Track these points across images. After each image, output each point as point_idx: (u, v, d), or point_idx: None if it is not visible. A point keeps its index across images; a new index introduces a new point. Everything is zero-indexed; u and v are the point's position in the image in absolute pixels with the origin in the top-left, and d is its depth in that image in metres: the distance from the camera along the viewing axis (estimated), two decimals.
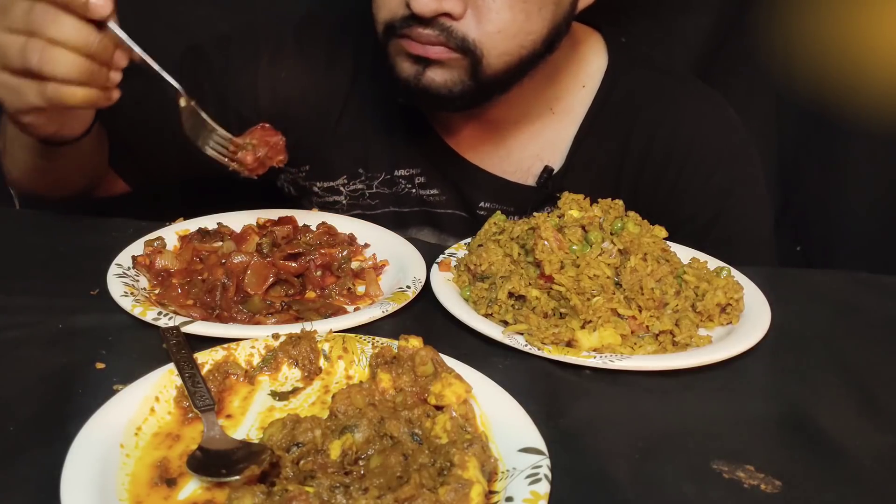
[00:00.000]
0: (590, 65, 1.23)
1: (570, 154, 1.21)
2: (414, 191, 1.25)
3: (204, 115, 0.93)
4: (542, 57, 1.08)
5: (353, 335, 0.79)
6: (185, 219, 1.05)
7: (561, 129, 1.22)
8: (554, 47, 1.09)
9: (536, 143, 1.23)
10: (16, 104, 0.86)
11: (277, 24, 1.25)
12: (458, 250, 1.02)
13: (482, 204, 1.24)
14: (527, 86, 1.13)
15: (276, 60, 1.21)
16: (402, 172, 1.24)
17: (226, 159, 0.96)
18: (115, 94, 0.87)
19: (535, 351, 0.81)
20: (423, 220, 1.27)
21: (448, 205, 1.26)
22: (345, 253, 0.98)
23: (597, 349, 0.82)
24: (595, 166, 1.19)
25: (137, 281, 0.91)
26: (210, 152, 0.95)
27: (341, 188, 1.25)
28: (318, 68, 1.22)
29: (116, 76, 0.86)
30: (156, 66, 0.87)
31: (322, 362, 0.77)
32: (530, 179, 1.23)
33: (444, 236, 1.27)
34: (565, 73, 1.21)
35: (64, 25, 0.79)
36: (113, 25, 0.82)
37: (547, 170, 1.21)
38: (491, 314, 0.88)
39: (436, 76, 1.04)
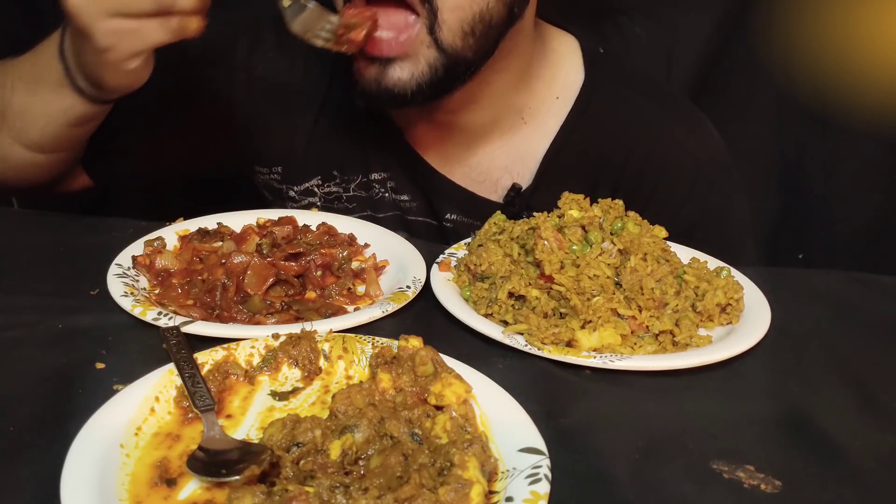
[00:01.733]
0: (565, 75, 1.20)
1: (539, 171, 1.19)
2: (388, 195, 1.24)
3: (311, 5, 0.94)
4: (504, 25, 1.05)
5: (353, 335, 0.79)
6: (185, 219, 1.05)
7: (532, 142, 1.19)
8: (514, 14, 1.06)
9: (506, 154, 1.20)
10: (133, 47, 0.87)
11: (256, 19, 1.23)
12: (458, 250, 1.02)
13: (448, 215, 1.23)
14: (494, 85, 1.11)
15: (253, 52, 1.20)
16: (375, 176, 1.23)
17: (334, 45, 0.99)
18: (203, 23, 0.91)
19: (535, 351, 0.81)
20: (397, 226, 1.23)
21: (418, 212, 1.24)
22: (345, 253, 0.98)
23: (597, 349, 0.82)
24: (564, 186, 1.16)
25: (137, 281, 0.91)
26: (321, 43, 0.98)
27: (315, 189, 1.24)
28: (297, 65, 1.20)
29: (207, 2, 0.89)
30: None
31: (322, 362, 0.77)
32: (498, 193, 1.21)
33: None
34: (537, 79, 1.18)
35: None
36: None
37: (514, 188, 1.19)
38: (491, 314, 0.88)
39: (402, 74, 1.01)
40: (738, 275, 0.95)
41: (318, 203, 1.25)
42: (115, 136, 1.17)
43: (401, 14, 1.00)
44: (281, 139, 1.21)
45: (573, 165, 1.19)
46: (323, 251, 0.97)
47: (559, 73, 1.20)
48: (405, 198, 1.24)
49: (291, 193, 1.25)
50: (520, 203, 1.19)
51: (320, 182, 1.24)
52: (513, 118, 1.19)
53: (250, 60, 1.20)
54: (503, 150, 1.20)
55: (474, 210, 1.20)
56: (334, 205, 1.25)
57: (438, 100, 1.09)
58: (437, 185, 1.22)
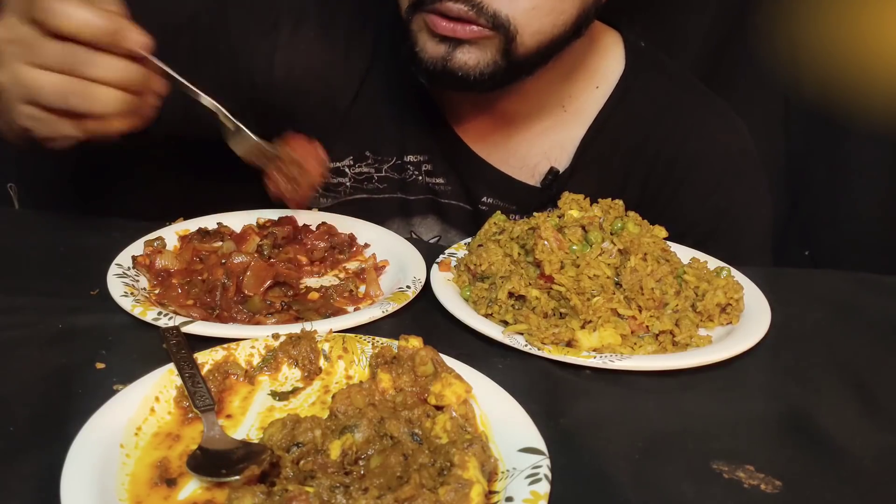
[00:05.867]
0: (606, 65, 1.22)
1: (576, 156, 1.20)
2: (421, 178, 1.25)
3: (252, 136, 0.94)
4: (570, 41, 1.07)
5: (353, 335, 0.79)
6: (185, 219, 1.05)
7: (570, 130, 1.21)
8: (581, 31, 1.08)
9: (545, 142, 1.22)
10: (47, 134, 0.84)
11: (300, 1, 1.23)
12: (458, 250, 1.02)
13: (484, 199, 1.24)
14: (542, 79, 1.12)
15: (296, 33, 1.20)
16: (410, 158, 1.24)
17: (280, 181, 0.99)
18: (151, 117, 0.86)
19: (535, 351, 0.81)
20: (428, 209, 1.26)
21: (452, 195, 1.25)
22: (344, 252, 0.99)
23: (597, 349, 0.82)
24: (600, 171, 1.19)
25: (137, 281, 0.91)
26: (259, 165, 0.97)
27: (346, 170, 1.24)
28: (337, 47, 1.21)
29: (155, 101, 0.85)
30: (203, 99, 0.88)
31: (322, 362, 0.77)
32: (535, 178, 1.22)
33: (447, 227, 1.26)
34: (581, 71, 1.20)
35: (106, 65, 0.78)
36: (151, 57, 0.81)
37: (552, 171, 1.20)
38: (491, 314, 0.88)
39: (468, 58, 1.00)
40: (738, 275, 0.95)
41: (348, 183, 1.25)
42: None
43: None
44: (318, 118, 1.21)
45: (608, 151, 1.20)
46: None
47: (601, 64, 1.22)
48: (440, 181, 1.24)
49: None
50: (557, 187, 1.19)
51: (352, 162, 1.24)
52: (554, 107, 1.21)
53: (294, 40, 1.20)
54: (542, 137, 1.22)
55: (511, 194, 1.21)
56: (364, 185, 1.25)
57: (497, 91, 1.09)
58: (474, 168, 1.22)
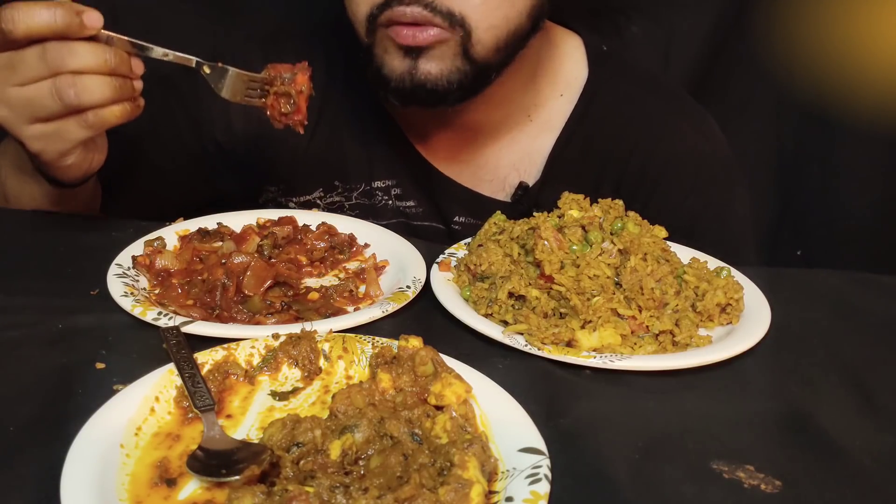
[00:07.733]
0: (568, 71, 1.21)
1: (546, 167, 1.19)
2: (391, 202, 1.24)
3: (231, 69, 0.93)
4: (528, 36, 1.07)
5: (353, 335, 0.79)
6: (185, 219, 1.05)
7: (538, 140, 1.20)
8: (538, 26, 1.08)
9: (513, 153, 1.21)
10: (59, 147, 0.87)
11: (243, 42, 1.24)
12: (458, 250, 1.02)
13: (457, 218, 1.23)
14: (506, 86, 1.11)
15: None
16: (378, 184, 1.23)
17: (271, 102, 0.97)
18: (142, 102, 0.89)
19: (535, 351, 0.81)
20: (402, 233, 1.25)
21: (425, 217, 1.25)
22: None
23: (597, 349, 0.82)
24: (571, 181, 1.16)
25: (137, 281, 0.91)
26: (258, 103, 0.97)
27: (318, 201, 1.24)
28: None
29: (139, 84, 0.88)
30: (164, 51, 0.88)
31: (322, 362, 0.77)
32: (506, 192, 1.21)
33: None
34: (543, 78, 1.19)
35: (81, 53, 0.81)
36: (114, 35, 0.84)
37: (522, 186, 1.20)
38: (491, 314, 0.88)
39: (431, 68, 1.01)
40: (737, 275, 0.95)
41: None
42: (121, 170, 1.17)
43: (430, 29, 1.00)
44: (283, 158, 1.22)
45: (578, 160, 1.19)
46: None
47: (563, 70, 1.21)
48: (411, 203, 1.24)
49: (292, 204, 1.26)
50: (528, 201, 1.19)
51: (322, 193, 1.24)
52: (520, 116, 1.20)
53: None
54: (510, 148, 1.21)
55: (483, 211, 1.20)
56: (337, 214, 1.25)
57: (467, 102, 1.09)
58: (444, 188, 1.22)
